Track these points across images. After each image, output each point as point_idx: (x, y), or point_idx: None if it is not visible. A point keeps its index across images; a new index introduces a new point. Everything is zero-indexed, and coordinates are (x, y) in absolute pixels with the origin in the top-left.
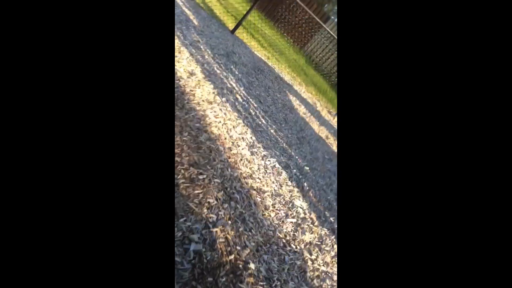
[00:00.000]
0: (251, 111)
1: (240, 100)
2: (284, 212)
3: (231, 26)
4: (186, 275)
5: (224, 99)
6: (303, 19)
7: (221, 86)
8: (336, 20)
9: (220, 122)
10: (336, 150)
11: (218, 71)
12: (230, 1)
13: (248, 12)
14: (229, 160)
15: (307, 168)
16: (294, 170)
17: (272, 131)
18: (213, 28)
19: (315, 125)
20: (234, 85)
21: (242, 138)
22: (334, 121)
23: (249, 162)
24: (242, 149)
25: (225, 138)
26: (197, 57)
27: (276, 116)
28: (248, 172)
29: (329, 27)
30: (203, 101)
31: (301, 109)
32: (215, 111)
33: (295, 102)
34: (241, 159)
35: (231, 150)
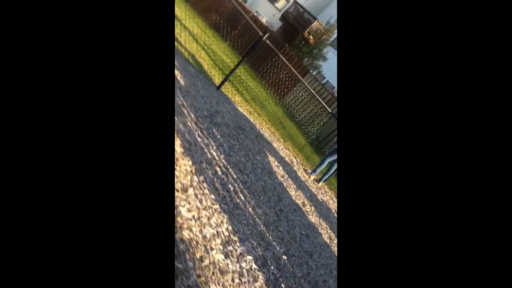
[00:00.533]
0: (230, 186)
1: (219, 173)
2: None
3: (218, 80)
4: None
5: (201, 178)
6: (284, 73)
7: (200, 160)
8: (315, 73)
9: (192, 218)
10: (312, 220)
11: (199, 139)
12: (219, 54)
13: (235, 68)
14: (198, 280)
15: (285, 257)
16: (272, 267)
17: (250, 209)
18: (199, 85)
19: (292, 190)
20: (214, 154)
21: (217, 232)
22: (309, 182)
23: (222, 274)
24: (216, 253)
25: (197, 243)
26: (179, 126)
27: (255, 186)
28: None
29: (307, 81)
30: (177, 190)
31: (279, 172)
32: (189, 203)
33: (274, 164)
34: (213, 274)
35: (202, 262)
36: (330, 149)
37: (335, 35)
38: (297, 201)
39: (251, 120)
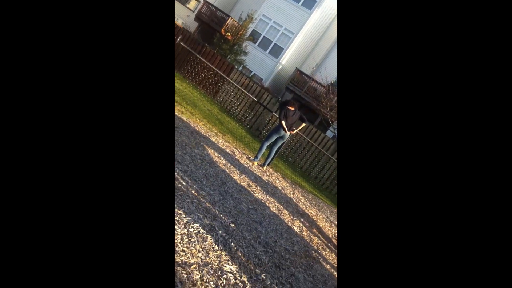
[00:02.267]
0: None
1: None
2: (213, 283)
3: None
4: None
5: None
6: (209, 72)
7: None
8: (240, 68)
9: None
10: (259, 197)
11: None
12: None
13: None
14: None
15: (233, 225)
16: (220, 232)
17: (193, 191)
18: None
19: (236, 175)
20: None
21: None
22: (253, 167)
23: None
24: None
25: None
26: None
27: (196, 174)
28: None
29: (233, 77)
30: None
31: (221, 161)
32: None
33: (214, 155)
34: None
35: None
36: (266, 135)
37: (251, 29)
38: (242, 183)
39: (184, 119)
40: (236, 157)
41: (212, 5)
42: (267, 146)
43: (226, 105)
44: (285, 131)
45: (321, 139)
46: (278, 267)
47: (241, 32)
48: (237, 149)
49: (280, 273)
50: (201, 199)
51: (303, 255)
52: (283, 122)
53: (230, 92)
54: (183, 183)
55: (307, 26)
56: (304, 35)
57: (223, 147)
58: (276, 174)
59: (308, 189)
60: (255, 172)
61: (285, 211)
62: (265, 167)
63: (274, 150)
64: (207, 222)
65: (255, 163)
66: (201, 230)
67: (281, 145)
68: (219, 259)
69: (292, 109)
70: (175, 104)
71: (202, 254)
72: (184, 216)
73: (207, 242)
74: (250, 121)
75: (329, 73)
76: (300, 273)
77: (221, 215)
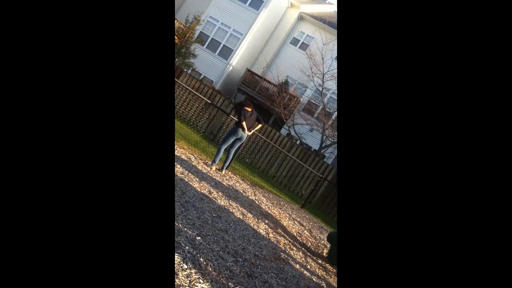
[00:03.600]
0: None
1: None
2: None
3: None
4: None
5: None
6: None
7: None
8: (190, 71)
9: None
10: (222, 204)
11: None
12: None
13: None
14: None
15: (199, 238)
16: (187, 247)
17: None
18: None
19: (195, 182)
20: None
21: None
22: (212, 172)
23: None
24: None
25: None
26: None
27: None
28: None
29: (183, 80)
30: None
31: (178, 169)
32: None
33: None
34: None
35: None
36: (222, 138)
37: (198, 31)
38: (202, 191)
39: None
40: (193, 164)
41: None
42: (225, 149)
43: (177, 110)
44: (244, 132)
45: (277, 138)
46: (250, 276)
47: (188, 34)
48: (193, 155)
49: (254, 282)
50: None
51: (273, 258)
52: (243, 123)
53: (180, 97)
54: None
55: (255, 26)
56: (253, 35)
57: (178, 154)
58: (235, 177)
59: (267, 188)
60: (214, 177)
61: (249, 215)
62: (223, 171)
63: (232, 153)
64: None
65: (213, 167)
66: None
67: (239, 147)
68: (189, 278)
69: (250, 109)
70: None
71: None
72: None
73: (175, 261)
74: (203, 125)
75: (280, 72)
76: (273, 278)
77: (185, 229)
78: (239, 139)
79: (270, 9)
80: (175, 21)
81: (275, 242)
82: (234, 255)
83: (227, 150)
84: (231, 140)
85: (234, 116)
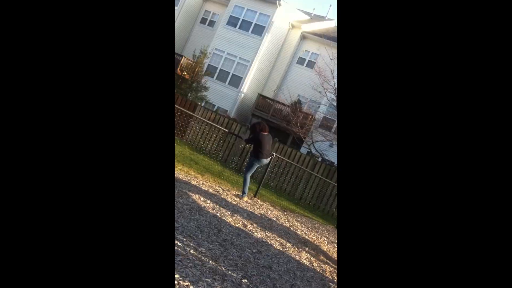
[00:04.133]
0: None
1: None
2: None
3: None
4: None
5: None
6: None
7: None
8: (204, 104)
9: None
10: (259, 236)
11: None
12: None
13: None
14: None
15: (245, 280)
16: None
17: (191, 251)
18: None
19: (228, 217)
20: None
21: None
22: (242, 202)
23: None
24: None
25: None
26: None
27: (188, 228)
28: None
29: (199, 114)
30: None
31: (208, 205)
32: None
33: (200, 200)
34: None
35: None
36: (246, 166)
37: (206, 64)
38: (237, 225)
39: None
40: (222, 197)
41: None
42: (251, 178)
43: (196, 143)
44: (266, 157)
45: (298, 157)
46: None
47: (197, 69)
48: (220, 187)
49: None
50: (203, 257)
51: None
52: (263, 152)
53: (198, 130)
54: (178, 243)
55: (260, 51)
56: (259, 60)
57: (206, 189)
58: (265, 204)
59: (299, 212)
60: (245, 207)
61: (288, 244)
62: (245, 197)
63: (248, 177)
64: (218, 287)
65: (245, 198)
66: None
67: (265, 172)
68: None
69: (266, 133)
70: None
71: None
72: (192, 286)
73: None
74: (224, 154)
75: (291, 92)
76: None
77: (229, 272)
78: (263, 164)
79: (273, 33)
80: (183, 57)
81: (321, 272)
82: None
83: (244, 177)
84: (255, 166)
85: (250, 141)
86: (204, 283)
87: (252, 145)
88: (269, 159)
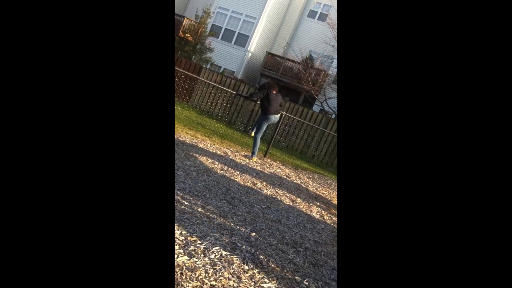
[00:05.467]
0: None
1: None
2: None
3: None
4: None
5: None
6: (177, 77)
7: None
8: (209, 66)
9: None
10: (268, 193)
11: None
12: None
13: None
14: None
15: (253, 233)
16: (244, 247)
17: (199, 209)
18: None
19: (237, 176)
20: None
21: None
22: (251, 163)
23: (192, 271)
24: (177, 257)
25: None
26: None
27: (196, 188)
28: (198, 285)
29: (204, 77)
30: None
31: (216, 166)
32: None
33: (208, 162)
34: (182, 274)
35: None
36: (255, 127)
37: (210, 24)
38: (246, 183)
39: None
40: (230, 158)
41: None
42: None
43: (203, 107)
44: (274, 114)
45: (310, 116)
46: (316, 266)
47: (200, 30)
48: (228, 149)
49: (321, 271)
50: (210, 215)
51: (334, 241)
52: (270, 108)
53: (204, 93)
54: (185, 203)
55: (267, 7)
56: (267, 17)
57: (214, 151)
58: (275, 163)
59: (311, 169)
60: (254, 167)
61: (299, 200)
62: (254, 158)
63: (259, 138)
64: (226, 240)
65: (254, 159)
66: (223, 253)
67: (274, 131)
68: (253, 280)
69: (275, 92)
70: None
71: (234, 281)
72: (200, 242)
73: (234, 265)
74: (232, 116)
75: (302, 48)
76: None
77: (238, 227)
78: (272, 123)
79: None
80: (185, 19)
81: (332, 224)
82: (294, 246)
83: (254, 138)
84: (265, 126)
85: (258, 99)
86: (212, 238)
87: (260, 103)
88: (277, 116)
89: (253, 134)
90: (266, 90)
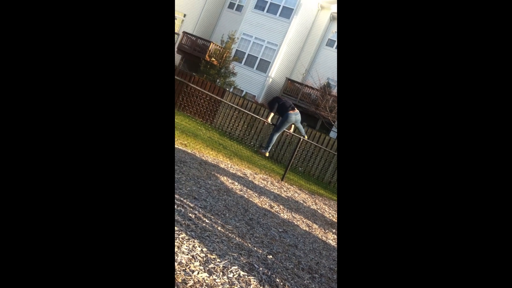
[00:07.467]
0: (190, 214)
1: (175, 207)
2: None
3: None
4: None
5: None
6: (203, 99)
7: None
8: (231, 90)
9: None
10: (285, 217)
11: None
12: None
13: None
14: None
15: (270, 256)
16: (261, 269)
17: (219, 228)
18: None
19: (255, 198)
20: None
21: (192, 257)
22: (269, 185)
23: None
24: (198, 273)
25: (174, 271)
26: None
27: (217, 207)
28: None
29: (227, 98)
30: None
31: (236, 187)
32: None
33: (228, 182)
34: None
35: (186, 284)
36: (267, 147)
37: (235, 50)
38: (264, 206)
39: (189, 151)
40: (249, 179)
41: (192, 35)
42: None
43: (225, 129)
44: (292, 111)
45: (327, 142)
46: None
47: (225, 54)
48: (248, 170)
49: None
50: (229, 234)
51: None
52: (290, 111)
53: (226, 115)
54: (206, 220)
55: (289, 35)
56: (288, 44)
57: (234, 172)
58: (292, 187)
59: (327, 196)
60: (272, 190)
61: (315, 226)
62: (267, 153)
63: (275, 137)
64: (244, 261)
65: (266, 154)
66: (241, 273)
67: (292, 152)
68: None
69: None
70: (176, 138)
71: None
72: (219, 260)
73: (251, 286)
74: (252, 139)
75: (320, 75)
76: None
77: (255, 248)
78: (294, 122)
79: (301, 15)
80: (211, 43)
81: None
82: (309, 271)
83: (271, 134)
84: (285, 127)
85: (272, 102)
86: (231, 257)
87: (277, 112)
88: (298, 115)
89: (267, 154)
90: (274, 99)
